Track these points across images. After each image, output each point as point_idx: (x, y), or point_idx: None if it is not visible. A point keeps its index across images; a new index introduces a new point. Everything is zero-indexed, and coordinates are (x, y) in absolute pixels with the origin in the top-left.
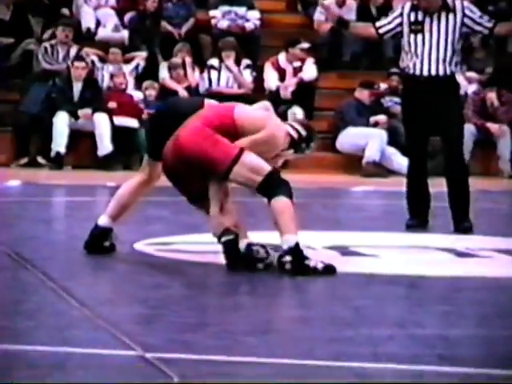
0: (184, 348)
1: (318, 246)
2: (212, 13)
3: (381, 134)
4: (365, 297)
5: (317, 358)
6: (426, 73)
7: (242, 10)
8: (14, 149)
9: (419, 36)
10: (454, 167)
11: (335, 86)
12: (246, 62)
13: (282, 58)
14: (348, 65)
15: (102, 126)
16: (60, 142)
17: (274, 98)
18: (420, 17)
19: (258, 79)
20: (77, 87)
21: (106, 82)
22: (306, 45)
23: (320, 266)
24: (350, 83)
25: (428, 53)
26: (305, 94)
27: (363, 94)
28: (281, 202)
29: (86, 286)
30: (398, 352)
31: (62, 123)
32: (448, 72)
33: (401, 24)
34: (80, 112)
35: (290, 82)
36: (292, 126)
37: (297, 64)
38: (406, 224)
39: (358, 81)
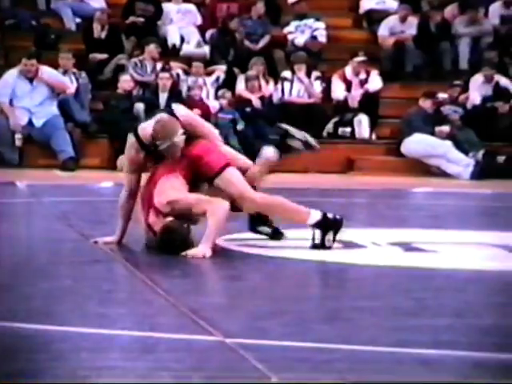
0: (260, 334)
1: (382, 242)
2: (286, 29)
3: (445, 144)
4: (426, 289)
5: (382, 345)
6: None
7: (310, 22)
8: (109, 153)
9: None
10: None
11: (398, 96)
12: (315, 74)
13: (348, 70)
14: (410, 76)
15: None
16: None
17: (342, 106)
18: None
19: (326, 90)
20: (163, 97)
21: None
22: (361, 58)
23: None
24: (412, 93)
25: None
26: (370, 103)
27: (426, 103)
28: None
29: (172, 278)
30: (458, 340)
31: None
32: None
33: None
34: None
35: (357, 93)
36: None
37: (362, 76)
38: None
39: (420, 91)
